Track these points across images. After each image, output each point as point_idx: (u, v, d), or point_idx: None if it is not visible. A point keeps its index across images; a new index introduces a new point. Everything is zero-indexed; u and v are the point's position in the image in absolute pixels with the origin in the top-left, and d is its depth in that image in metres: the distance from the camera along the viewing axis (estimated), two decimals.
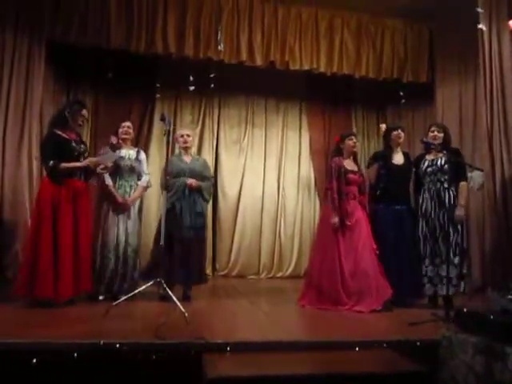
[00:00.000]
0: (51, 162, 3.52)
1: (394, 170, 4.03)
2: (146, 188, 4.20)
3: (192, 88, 6.03)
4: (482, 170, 4.33)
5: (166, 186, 3.90)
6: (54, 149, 3.56)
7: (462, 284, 3.79)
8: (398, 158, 4.11)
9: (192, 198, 4.01)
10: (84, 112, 3.75)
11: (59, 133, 3.63)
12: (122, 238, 3.89)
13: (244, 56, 5.32)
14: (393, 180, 3.98)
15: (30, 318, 3.04)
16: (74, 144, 3.64)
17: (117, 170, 3.97)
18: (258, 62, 5.37)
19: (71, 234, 3.49)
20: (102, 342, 2.32)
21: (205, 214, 4.16)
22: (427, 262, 3.84)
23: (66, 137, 3.64)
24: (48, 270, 3.36)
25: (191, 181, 4.00)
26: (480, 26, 4.50)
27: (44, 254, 3.39)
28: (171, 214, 3.83)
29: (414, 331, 2.81)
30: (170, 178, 3.92)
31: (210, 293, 4.70)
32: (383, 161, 4.05)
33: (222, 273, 6.21)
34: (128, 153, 4.07)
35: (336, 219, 3.81)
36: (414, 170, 4.12)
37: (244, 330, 3.01)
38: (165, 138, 3.59)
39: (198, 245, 4.04)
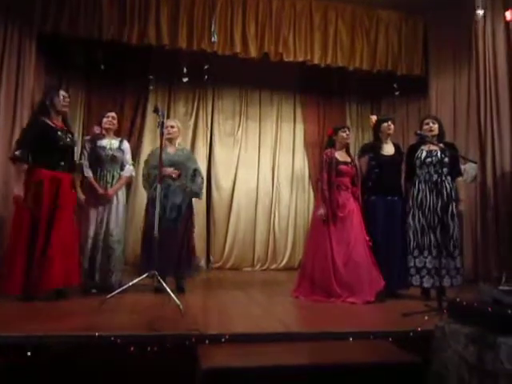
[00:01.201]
0: (18, 152, 3.41)
1: (385, 161, 4.02)
2: (129, 178, 4.16)
3: (185, 80, 6.01)
4: (475, 163, 4.35)
5: (146, 178, 3.94)
6: (35, 136, 3.45)
7: (460, 276, 3.80)
8: (388, 149, 4.10)
9: (170, 190, 3.95)
10: (63, 93, 3.65)
11: (46, 121, 3.53)
12: (106, 230, 3.84)
13: (238, 48, 5.29)
14: (384, 171, 3.98)
15: (22, 312, 3.02)
16: (59, 133, 3.56)
17: (97, 161, 3.92)
18: (252, 53, 5.34)
19: (46, 226, 3.41)
20: (96, 334, 2.32)
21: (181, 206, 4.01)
22: (426, 253, 3.82)
23: (52, 125, 3.55)
24: (20, 264, 3.31)
25: (168, 170, 3.95)
26: (478, 11, 4.46)
27: (19, 248, 3.35)
28: (152, 206, 3.76)
29: (408, 322, 2.83)
30: (151, 169, 3.94)
31: (205, 285, 4.71)
32: (373, 152, 4.05)
33: (217, 265, 6.22)
34: (110, 142, 4.00)
35: (322, 211, 3.81)
36: (405, 159, 4.13)
37: (238, 322, 3.01)
38: (158, 130, 3.57)
39: (179, 235, 3.95)
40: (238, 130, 6.60)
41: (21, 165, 3.45)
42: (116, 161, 3.99)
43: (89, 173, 3.89)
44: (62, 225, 3.47)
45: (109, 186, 3.92)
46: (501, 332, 2.04)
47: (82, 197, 3.84)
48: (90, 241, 3.80)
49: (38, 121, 3.54)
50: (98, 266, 3.80)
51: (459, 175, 3.99)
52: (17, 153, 3.44)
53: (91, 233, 3.82)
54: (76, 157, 3.89)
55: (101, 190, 3.86)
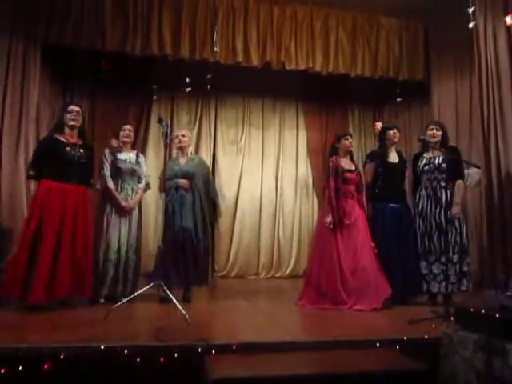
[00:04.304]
0: (31, 173, 3.63)
1: (390, 169, 4.05)
2: (145, 190, 4.20)
3: (188, 89, 6.05)
4: (478, 167, 4.34)
5: (162, 189, 3.91)
6: (43, 153, 3.59)
7: (465, 282, 3.80)
8: (393, 157, 4.12)
9: (185, 200, 3.98)
10: (72, 107, 3.70)
11: (57, 137, 3.63)
12: (124, 241, 3.89)
13: (240, 56, 5.32)
14: (389, 178, 4.00)
15: (29, 322, 3.03)
16: (68, 148, 3.62)
17: (118, 174, 3.97)
18: (254, 62, 5.37)
19: (57, 237, 3.46)
20: (102, 345, 2.32)
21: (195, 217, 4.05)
22: (431, 258, 3.83)
23: (63, 140, 3.62)
24: (25, 273, 3.35)
25: (182, 182, 4.00)
26: (471, 25, 4.51)
27: (23, 257, 3.38)
28: (167, 217, 3.82)
29: (415, 329, 2.82)
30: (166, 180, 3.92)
31: (210, 294, 4.70)
32: (380, 159, 4.06)
33: (221, 273, 6.21)
34: (128, 156, 4.07)
35: (329, 218, 3.81)
36: (410, 168, 4.13)
37: (245, 331, 3.01)
38: (162, 140, 3.59)
39: (194, 246, 3.96)
40: (241, 138, 6.61)
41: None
42: (135, 174, 4.05)
43: (112, 184, 3.92)
44: (70, 235, 3.51)
45: (129, 198, 3.97)
46: (509, 338, 2.04)
47: (124, 204, 3.90)
48: (112, 252, 3.83)
49: (48, 137, 3.68)
50: (121, 276, 3.84)
51: (460, 178, 3.96)
52: (30, 172, 3.64)
53: (114, 244, 3.85)
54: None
55: (123, 203, 3.90)
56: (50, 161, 3.56)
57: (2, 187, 4.47)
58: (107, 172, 3.94)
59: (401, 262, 3.85)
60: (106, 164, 3.95)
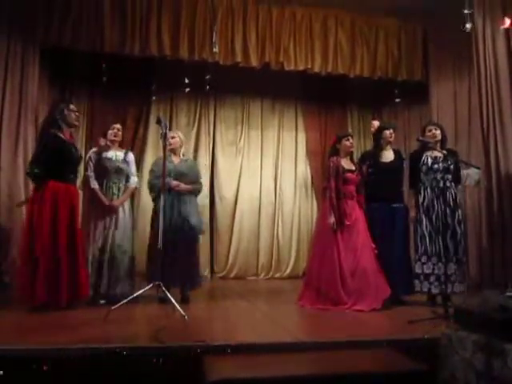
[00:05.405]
0: (36, 171, 3.50)
1: (383, 169, 4.04)
2: (134, 189, 4.18)
3: (187, 90, 6.05)
4: (478, 168, 4.34)
5: (151, 187, 3.95)
6: (49, 151, 3.49)
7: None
8: (388, 156, 4.12)
9: (177, 200, 3.95)
10: (73, 107, 3.68)
11: (59, 134, 3.57)
12: (112, 241, 3.85)
13: (239, 57, 5.33)
14: (382, 178, 3.99)
15: (29, 323, 3.02)
16: (71, 147, 3.61)
17: (103, 172, 3.94)
18: (253, 63, 5.37)
19: (64, 238, 3.46)
20: (102, 346, 2.31)
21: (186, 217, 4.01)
22: (434, 259, 3.80)
23: (64, 138, 3.59)
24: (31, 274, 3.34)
25: (173, 183, 3.94)
26: (467, 25, 4.52)
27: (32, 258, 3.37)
28: (157, 217, 3.73)
29: (414, 329, 2.82)
30: (155, 178, 3.93)
31: (209, 295, 4.70)
32: (372, 160, 4.06)
33: (221, 274, 6.21)
34: (115, 154, 4.04)
35: (332, 219, 3.81)
36: (409, 165, 4.11)
37: (244, 332, 3.01)
38: (161, 141, 3.59)
39: (187, 246, 3.95)
40: (240, 139, 6.61)
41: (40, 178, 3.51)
42: (121, 172, 4.02)
43: (95, 184, 3.91)
44: (80, 237, 3.55)
45: (115, 197, 3.95)
46: (509, 339, 2.03)
47: (107, 203, 3.87)
48: (97, 252, 3.81)
49: (50, 134, 3.56)
50: (106, 277, 3.81)
51: (459, 183, 4.01)
52: (36, 170, 3.53)
53: (98, 244, 3.83)
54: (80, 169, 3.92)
55: (107, 202, 3.87)
56: (56, 160, 3.50)
57: (1, 188, 4.47)
58: (91, 172, 3.93)
59: (394, 262, 3.84)
60: (91, 165, 3.95)
